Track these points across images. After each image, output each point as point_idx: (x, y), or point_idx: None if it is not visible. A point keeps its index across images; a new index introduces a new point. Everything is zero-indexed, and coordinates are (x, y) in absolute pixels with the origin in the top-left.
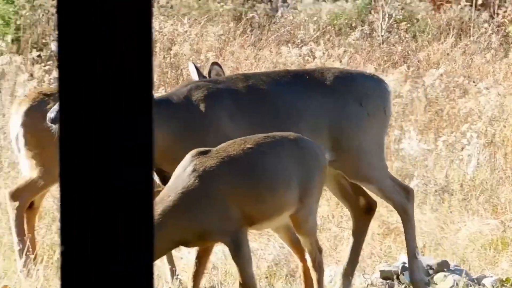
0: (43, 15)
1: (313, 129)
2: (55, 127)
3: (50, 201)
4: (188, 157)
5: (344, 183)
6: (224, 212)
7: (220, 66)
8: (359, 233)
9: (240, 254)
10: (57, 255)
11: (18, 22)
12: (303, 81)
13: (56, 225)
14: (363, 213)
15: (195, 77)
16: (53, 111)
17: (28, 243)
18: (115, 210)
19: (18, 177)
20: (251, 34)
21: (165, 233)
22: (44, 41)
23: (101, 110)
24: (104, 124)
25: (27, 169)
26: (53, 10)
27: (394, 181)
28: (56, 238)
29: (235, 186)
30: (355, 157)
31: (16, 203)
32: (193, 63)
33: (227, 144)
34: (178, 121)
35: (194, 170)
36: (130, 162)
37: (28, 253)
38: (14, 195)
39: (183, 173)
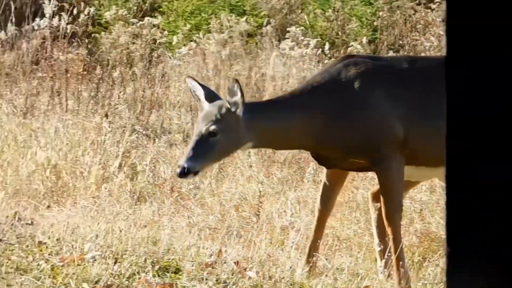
0: (400, 16)
1: None
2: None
3: (407, 202)
4: None
5: None
6: None
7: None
8: None
9: None
10: (416, 257)
11: (375, 24)
12: None
13: (414, 227)
14: None
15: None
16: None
17: (389, 244)
18: (505, 209)
19: (376, 178)
20: None
21: None
22: (400, 42)
23: (495, 117)
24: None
25: None
26: (411, 12)
27: None
28: (414, 240)
29: None
30: None
31: (378, 204)
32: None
33: None
34: (332, 101)
35: None
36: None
37: (389, 254)
38: (376, 196)
39: None
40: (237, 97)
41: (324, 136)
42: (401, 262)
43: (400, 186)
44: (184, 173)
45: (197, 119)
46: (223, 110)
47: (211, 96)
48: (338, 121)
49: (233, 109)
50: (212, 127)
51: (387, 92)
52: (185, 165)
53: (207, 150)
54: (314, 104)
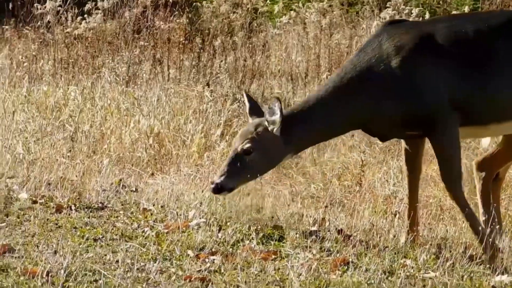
0: None
1: None
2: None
3: (511, 172)
4: None
5: None
6: None
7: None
8: None
9: None
10: None
11: None
12: None
13: None
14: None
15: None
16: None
17: (493, 213)
18: None
19: (478, 147)
20: None
21: None
22: None
23: None
24: None
25: (488, 140)
26: None
27: None
28: None
29: None
30: None
31: (482, 174)
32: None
33: None
34: (375, 84)
35: None
36: None
37: (493, 224)
38: (480, 166)
39: None
40: (276, 117)
41: (374, 118)
42: (481, 232)
43: (457, 152)
44: (217, 190)
45: (235, 136)
46: (260, 129)
47: (254, 111)
48: (386, 101)
49: (270, 128)
50: (247, 145)
51: (429, 58)
52: (219, 182)
53: (242, 168)
54: (356, 94)
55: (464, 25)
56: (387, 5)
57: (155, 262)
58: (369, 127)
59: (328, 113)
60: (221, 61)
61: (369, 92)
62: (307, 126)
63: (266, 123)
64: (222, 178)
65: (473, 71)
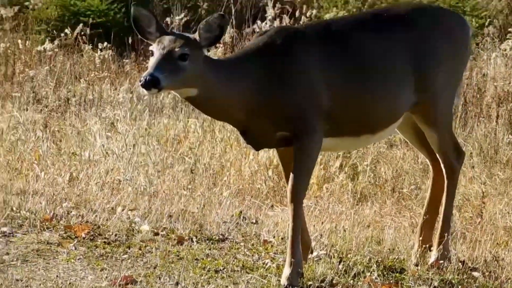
0: None
1: (399, 70)
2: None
3: None
4: None
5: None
6: None
7: None
8: (437, 186)
9: None
10: None
11: None
12: (381, 19)
13: None
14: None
15: None
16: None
17: None
18: None
19: None
20: None
21: None
22: None
23: None
24: None
25: None
26: None
27: (451, 134)
28: None
29: None
30: (435, 99)
31: None
32: None
33: None
34: (264, 65)
35: None
36: None
37: None
38: None
39: None
40: (215, 34)
41: (257, 105)
42: (295, 258)
43: (313, 165)
44: (152, 82)
45: (159, 40)
46: (194, 41)
47: (160, 27)
48: (271, 86)
49: (202, 43)
50: (185, 50)
51: (319, 58)
52: (156, 75)
53: (176, 71)
54: (247, 69)
55: (347, 30)
56: (507, 36)
57: None
58: (249, 124)
59: (227, 75)
60: None
61: (258, 74)
62: (213, 71)
63: (198, 37)
64: (160, 73)
65: (350, 78)
